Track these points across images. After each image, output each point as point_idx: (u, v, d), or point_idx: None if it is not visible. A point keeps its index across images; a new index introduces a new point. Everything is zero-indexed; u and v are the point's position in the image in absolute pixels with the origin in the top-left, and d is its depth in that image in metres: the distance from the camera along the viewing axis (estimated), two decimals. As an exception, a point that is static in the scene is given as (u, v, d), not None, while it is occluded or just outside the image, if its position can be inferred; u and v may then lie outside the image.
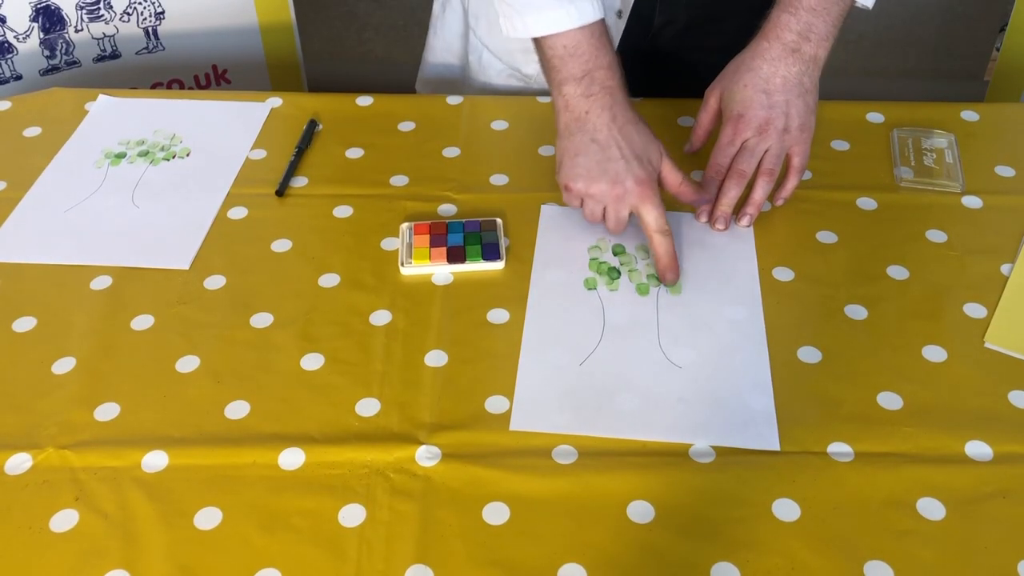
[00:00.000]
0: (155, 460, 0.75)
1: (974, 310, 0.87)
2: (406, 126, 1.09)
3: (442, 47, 1.26)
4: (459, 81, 1.25)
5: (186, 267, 0.92)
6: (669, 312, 0.87)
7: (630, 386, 0.80)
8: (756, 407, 0.78)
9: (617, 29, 1.10)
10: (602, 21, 0.90)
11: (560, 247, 0.93)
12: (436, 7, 1.25)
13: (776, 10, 0.94)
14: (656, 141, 0.91)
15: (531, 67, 1.16)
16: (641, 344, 0.84)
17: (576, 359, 0.83)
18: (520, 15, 0.90)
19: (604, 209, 0.91)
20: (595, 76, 0.89)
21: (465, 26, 1.21)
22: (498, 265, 0.91)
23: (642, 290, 0.89)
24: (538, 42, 0.91)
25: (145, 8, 1.56)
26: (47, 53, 1.54)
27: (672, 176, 0.92)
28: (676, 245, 0.92)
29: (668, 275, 0.89)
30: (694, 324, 0.86)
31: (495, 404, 0.79)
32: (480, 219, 0.95)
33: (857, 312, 0.86)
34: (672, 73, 1.17)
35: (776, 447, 0.75)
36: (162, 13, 1.57)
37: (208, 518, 0.71)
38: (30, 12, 1.50)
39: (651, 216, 0.89)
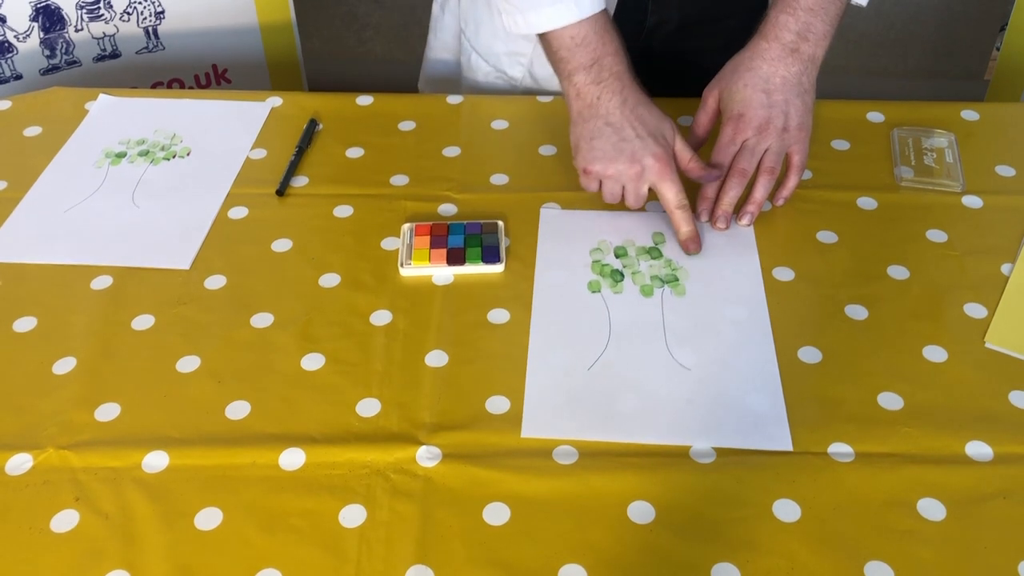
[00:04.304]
0: (155, 460, 0.75)
1: (974, 310, 0.87)
2: (406, 126, 1.09)
3: (441, 47, 1.26)
4: (458, 80, 1.26)
5: (186, 267, 0.92)
6: (674, 313, 0.87)
7: (638, 389, 0.80)
8: (766, 407, 0.78)
9: None
10: (604, 11, 0.92)
11: (561, 249, 0.93)
12: (435, 8, 1.26)
13: (774, 10, 0.95)
14: (667, 119, 0.93)
15: (516, 70, 1.16)
16: (648, 346, 0.84)
17: (584, 363, 0.82)
18: (522, 12, 0.92)
19: (623, 188, 0.93)
20: (604, 63, 0.91)
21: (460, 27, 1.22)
22: (498, 268, 0.91)
23: (646, 291, 0.89)
24: (544, 36, 0.93)
25: (145, 8, 1.56)
26: (47, 53, 1.54)
27: (683, 153, 0.94)
28: (675, 245, 0.92)
29: (691, 246, 0.92)
30: (699, 325, 0.85)
31: (496, 404, 0.79)
32: (481, 221, 0.95)
33: (857, 312, 0.86)
34: (667, 73, 1.17)
35: (788, 447, 0.75)
36: (162, 13, 1.57)
37: (208, 518, 0.71)
38: (30, 12, 1.50)
39: (671, 192, 0.91)
